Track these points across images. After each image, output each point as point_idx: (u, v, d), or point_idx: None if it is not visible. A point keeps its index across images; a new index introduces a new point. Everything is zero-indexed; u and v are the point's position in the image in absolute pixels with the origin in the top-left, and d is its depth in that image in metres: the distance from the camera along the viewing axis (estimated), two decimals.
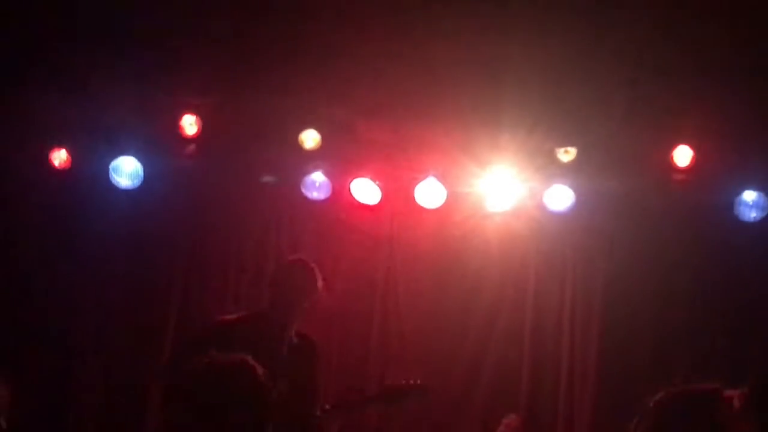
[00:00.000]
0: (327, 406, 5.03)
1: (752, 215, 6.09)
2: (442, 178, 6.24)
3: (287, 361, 4.95)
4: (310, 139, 6.26)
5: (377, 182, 6.31)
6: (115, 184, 6.25)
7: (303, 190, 6.34)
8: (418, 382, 5.14)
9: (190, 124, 6.24)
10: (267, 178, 6.29)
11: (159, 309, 6.47)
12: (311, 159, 6.28)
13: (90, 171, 6.29)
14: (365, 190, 6.34)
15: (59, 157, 6.24)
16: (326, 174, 6.31)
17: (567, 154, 6.18)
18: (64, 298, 6.45)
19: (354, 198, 6.36)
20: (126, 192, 6.27)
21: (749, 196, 6.09)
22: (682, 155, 6.09)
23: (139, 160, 6.23)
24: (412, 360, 6.39)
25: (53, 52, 5.80)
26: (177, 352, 5.51)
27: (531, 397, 6.33)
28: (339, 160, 6.29)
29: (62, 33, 5.70)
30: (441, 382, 6.26)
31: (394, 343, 6.51)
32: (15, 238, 6.42)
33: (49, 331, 6.41)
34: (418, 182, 6.27)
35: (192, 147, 6.30)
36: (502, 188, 6.24)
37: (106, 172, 6.22)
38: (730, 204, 6.09)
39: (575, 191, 6.17)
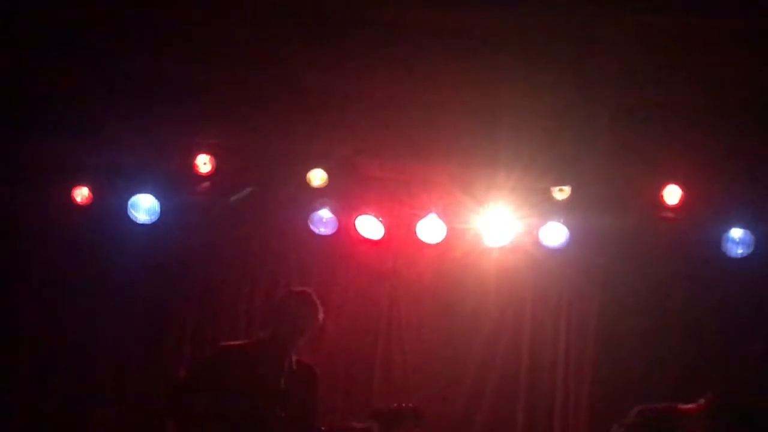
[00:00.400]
0: (322, 429, 5.09)
1: (739, 251, 6.15)
2: (443, 215, 6.30)
3: (286, 387, 5.06)
4: (317, 177, 6.34)
5: (380, 219, 6.38)
6: (134, 219, 6.35)
7: (311, 226, 6.41)
8: (410, 405, 5.20)
9: (204, 163, 6.35)
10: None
11: (175, 334, 6.55)
12: (318, 196, 6.35)
13: (110, 207, 6.38)
14: (369, 226, 6.40)
15: (81, 194, 6.36)
16: (332, 211, 6.36)
17: (561, 193, 6.25)
18: (85, 323, 6.51)
19: (359, 233, 6.41)
20: (144, 226, 6.36)
21: (736, 233, 6.15)
22: (671, 194, 6.18)
23: (156, 196, 6.32)
24: (415, 387, 6.47)
25: (77, 101, 5.93)
26: (188, 374, 5.60)
27: (528, 423, 6.38)
28: (344, 197, 6.36)
29: (85, 84, 5.86)
30: (442, 408, 6.42)
31: (397, 371, 6.56)
32: (40, 268, 6.53)
33: (71, 355, 6.50)
34: (420, 219, 6.33)
35: (206, 184, 6.39)
36: (499, 225, 6.28)
37: (125, 208, 6.32)
38: (717, 241, 6.16)
39: (569, 228, 6.22)
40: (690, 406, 4.78)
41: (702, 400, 4.68)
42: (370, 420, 5.41)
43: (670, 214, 6.21)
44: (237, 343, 5.34)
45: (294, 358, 5.14)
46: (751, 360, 6.03)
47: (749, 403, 5.03)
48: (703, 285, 6.29)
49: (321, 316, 5.14)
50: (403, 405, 5.17)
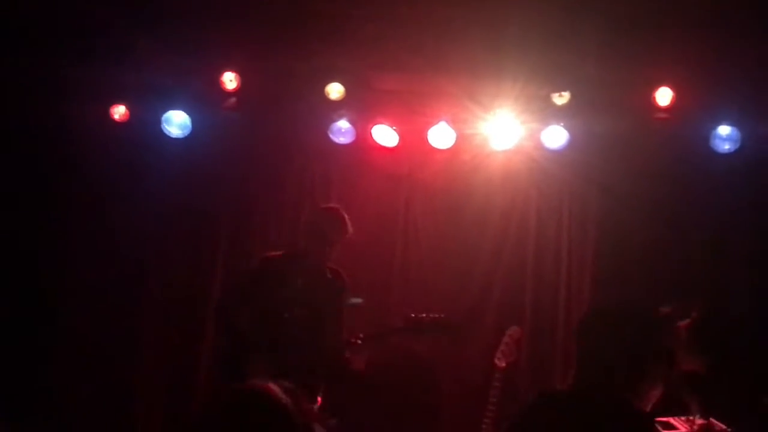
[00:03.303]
0: (360, 335, 5.33)
1: (726, 147, 6.36)
2: (452, 122, 6.46)
3: (321, 295, 5.34)
4: (335, 91, 6.46)
5: (395, 127, 6.55)
6: (167, 133, 6.54)
7: (330, 136, 6.59)
8: (441, 316, 5.42)
9: (230, 80, 6.47)
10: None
11: (209, 241, 6.77)
12: (336, 108, 6.50)
13: (145, 123, 6.57)
14: (385, 135, 6.59)
15: (118, 111, 6.56)
16: (350, 121, 6.53)
17: (561, 98, 6.37)
18: (124, 234, 6.70)
19: (375, 141, 6.60)
20: (177, 140, 6.57)
21: (723, 130, 6.35)
22: (663, 96, 6.33)
23: (188, 112, 6.50)
24: (430, 282, 6.73)
25: (113, 27, 6.13)
26: (229, 292, 5.81)
27: (533, 312, 6.65)
28: (361, 108, 6.51)
29: (121, 13, 6.06)
30: (455, 300, 6.64)
31: (413, 268, 6.80)
32: (82, 183, 6.73)
33: (114, 260, 6.73)
34: (431, 126, 6.48)
35: (233, 100, 6.52)
36: (504, 130, 6.45)
37: (158, 124, 6.51)
38: (706, 138, 6.36)
39: (569, 131, 6.39)
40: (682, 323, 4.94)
41: (688, 320, 4.62)
42: (401, 326, 5.62)
43: (662, 115, 6.32)
44: (276, 253, 5.55)
45: (328, 265, 5.39)
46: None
47: (734, 313, 5.35)
48: (693, 179, 6.46)
49: (350, 229, 5.38)
50: (435, 316, 5.39)
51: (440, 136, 6.54)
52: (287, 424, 2.48)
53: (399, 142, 6.63)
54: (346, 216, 5.36)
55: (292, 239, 6.29)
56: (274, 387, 2.53)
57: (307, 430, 2.55)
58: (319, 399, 5.27)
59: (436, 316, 5.41)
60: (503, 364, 5.69)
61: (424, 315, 5.40)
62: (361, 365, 5.31)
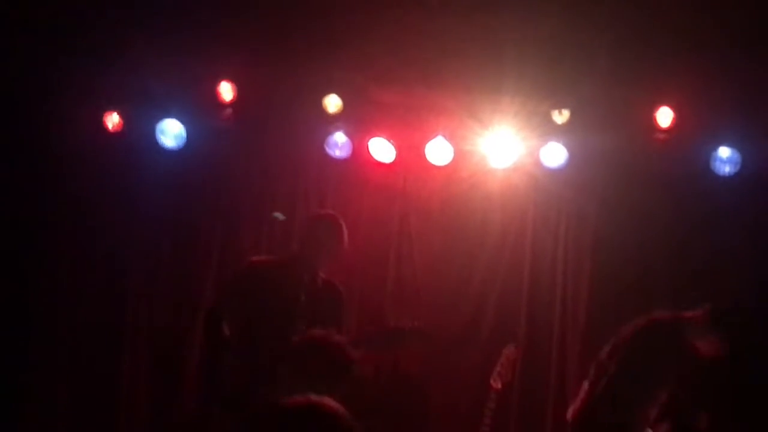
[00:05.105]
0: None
1: (726, 170, 6.30)
2: (450, 138, 6.42)
3: (307, 301, 5.23)
4: (332, 104, 6.43)
5: (392, 142, 6.49)
6: (161, 144, 6.49)
7: (326, 149, 6.54)
8: (416, 324, 5.42)
9: (226, 91, 6.44)
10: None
11: (201, 252, 6.72)
12: (333, 121, 6.46)
13: (139, 132, 6.52)
14: (381, 149, 6.52)
15: (112, 120, 6.49)
16: (347, 134, 6.49)
17: (561, 116, 6.34)
18: (116, 243, 6.66)
19: (371, 156, 6.54)
20: (171, 151, 6.52)
21: (724, 152, 6.28)
22: (664, 116, 6.28)
23: (182, 122, 6.45)
24: (425, 299, 6.65)
25: (108, 32, 6.08)
26: (218, 299, 5.72)
27: (528, 331, 6.56)
28: (358, 122, 6.47)
29: (114, 18, 6.03)
30: (450, 319, 6.58)
31: (408, 285, 6.72)
32: (74, 193, 6.66)
33: (102, 273, 6.66)
34: (429, 141, 6.43)
35: (228, 111, 6.48)
36: (503, 146, 6.40)
37: (153, 134, 6.46)
38: (706, 159, 6.30)
39: (568, 149, 6.35)
40: (692, 313, 4.96)
41: (701, 310, 4.69)
42: (378, 337, 5.65)
43: (662, 135, 6.30)
44: (265, 258, 5.47)
45: (320, 275, 5.30)
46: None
47: (747, 304, 5.32)
48: (692, 201, 6.40)
49: (345, 236, 5.31)
50: (412, 323, 5.41)
51: (438, 151, 6.52)
52: None
53: (395, 157, 6.61)
54: (343, 223, 5.30)
55: (283, 252, 6.18)
56: (331, 402, 2.47)
57: None
58: None
59: (412, 324, 5.44)
60: (499, 386, 5.67)
61: (401, 323, 5.48)
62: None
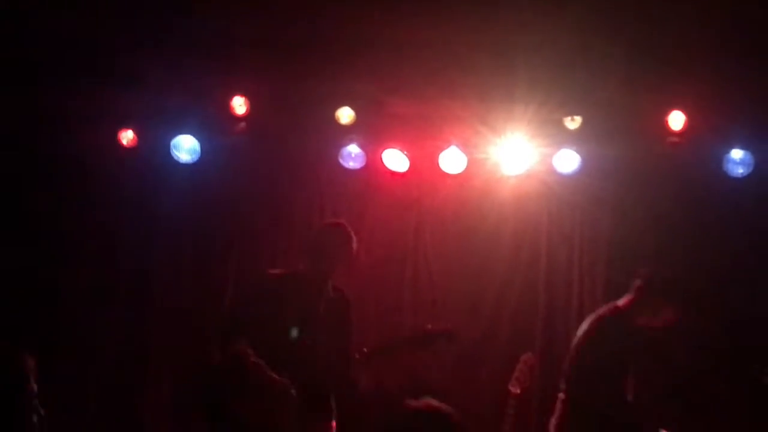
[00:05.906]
0: (364, 350, 5.26)
1: (739, 171, 6.35)
2: (463, 147, 6.46)
3: (324, 313, 5.19)
4: (345, 115, 6.46)
5: (405, 152, 6.53)
6: (176, 159, 6.54)
7: (340, 161, 6.58)
8: (443, 326, 5.36)
9: (239, 105, 6.47)
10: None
11: (218, 267, 6.72)
12: (347, 133, 6.50)
13: (154, 148, 6.58)
14: (395, 159, 6.57)
15: (126, 136, 6.54)
16: (360, 146, 6.53)
17: (573, 123, 6.38)
18: (133, 259, 6.71)
19: (385, 166, 6.59)
20: (185, 166, 6.57)
21: (737, 154, 6.33)
22: (676, 120, 6.32)
23: (197, 137, 6.49)
24: (440, 308, 6.67)
25: (122, 51, 6.14)
26: (235, 313, 5.62)
27: (545, 339, 6.57)
28: (371, 133, 6.50)
29: (129, 37, 6.08)
30: (466, 328, 6.54)
31: (424, 294, 6.75)
32: (90, 208, 6.68)
33: (123, 288, 6.69)
34: (442, 151, 6.47)
35: (242, 125, 6.51)
36: (516, 154, 6.44)
37: (167, 149, 6.52)
38: (719, 162, 6.34)
39: (581, 155, 6.39)
40: (626, 297, 5.17)
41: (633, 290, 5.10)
42: (406, 338, 5.68)
43: (675, 139, 6.33)
44: (278, 271, 5.43)
45: (331, 284, 5.27)
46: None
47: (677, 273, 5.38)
48: (706, 204, 6.43)
49: (355, 245, 5.28)
50: (439, 327, 5.36)
51: (451, 160, 6.55)
52: None
53: (409, 167, 6.63)
54: (351, 232, 5.25)
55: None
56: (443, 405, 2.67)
57: None
58: (333, 424, 5.18)
59: (441, 327, 5.38)
60: (518, 391, 5.68)
61: (429, 327, 5.38)
62: (368, 385, 5.38)
